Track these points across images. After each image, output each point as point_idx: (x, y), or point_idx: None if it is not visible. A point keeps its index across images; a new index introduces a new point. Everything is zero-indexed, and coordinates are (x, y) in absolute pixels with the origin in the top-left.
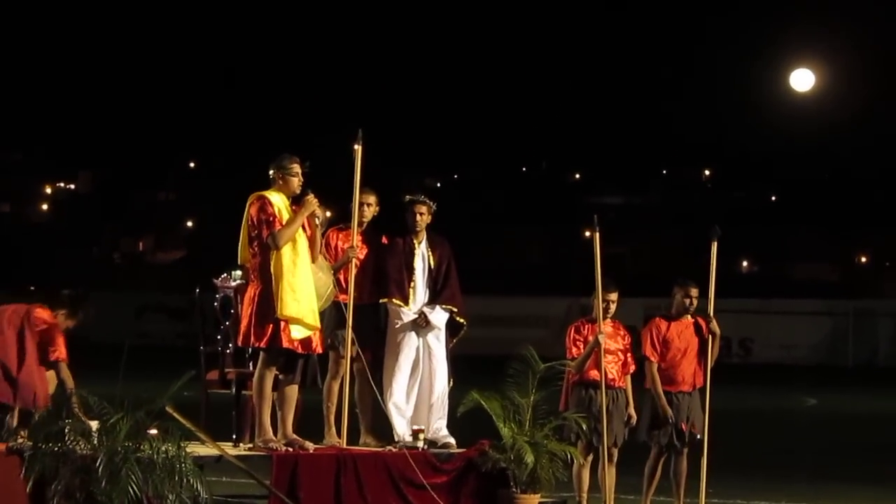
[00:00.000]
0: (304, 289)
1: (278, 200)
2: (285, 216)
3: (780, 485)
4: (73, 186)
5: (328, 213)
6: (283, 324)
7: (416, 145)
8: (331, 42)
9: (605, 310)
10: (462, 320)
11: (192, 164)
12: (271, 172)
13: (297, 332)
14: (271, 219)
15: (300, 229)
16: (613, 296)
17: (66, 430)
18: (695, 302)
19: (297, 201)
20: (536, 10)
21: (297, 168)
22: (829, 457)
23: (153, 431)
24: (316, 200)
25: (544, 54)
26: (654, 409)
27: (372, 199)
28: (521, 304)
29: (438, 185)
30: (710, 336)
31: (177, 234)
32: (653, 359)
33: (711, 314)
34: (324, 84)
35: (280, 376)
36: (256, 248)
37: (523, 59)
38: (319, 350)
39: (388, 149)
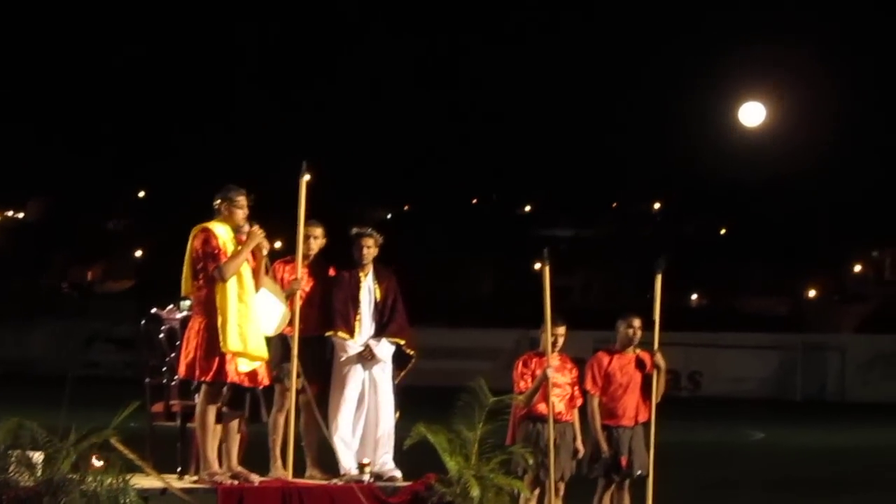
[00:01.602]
0: (249, 321)
1: (223, 232)
2: (230, 248)
3: None
4: (21, 215)
5: (277, 244)
6: (228, 357)
7: (367, 177)
8: (280, 73)
9: (553, 343)
10: (411, 352)
11: (141, 194)
12: (216, 203)
13: (244, 366)
14: (216, 251)
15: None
16: (561, 329)
17: (10, 461)
18: (638, 332)
19: (239, 232)
20: (488, 43)
21: (242, 200)
22: (776, 491)
23: (98, 463)
24: (262, 232)
25: (495, 87)
26: (593, 442)
27: (318, 231)
28: (471, 336)
29: (389, 216)
30: (656, 370)
31: (126, 263)
32: (593, 392)
33: (656, 347)
34: (273, 114)
35: (225, 409)
36: (202, 281)
37: (474, 91)
38: (266, 382)
39: (339, 180)
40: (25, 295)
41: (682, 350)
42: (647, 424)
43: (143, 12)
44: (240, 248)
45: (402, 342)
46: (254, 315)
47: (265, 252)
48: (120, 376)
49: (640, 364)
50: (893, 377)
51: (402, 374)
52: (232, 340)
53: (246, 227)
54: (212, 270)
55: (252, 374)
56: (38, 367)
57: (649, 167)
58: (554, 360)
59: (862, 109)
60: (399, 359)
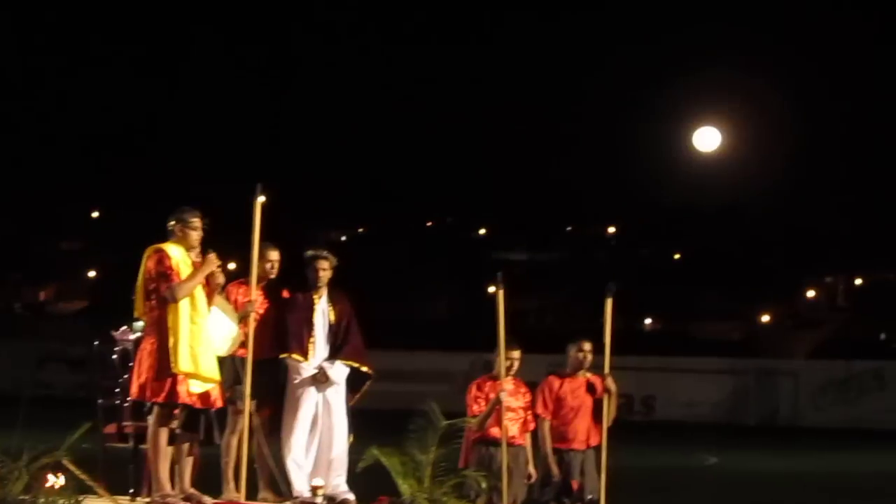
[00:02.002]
0: (201, 343)
1: (176, 253)
2: (183, 269)
3: None
4: None
5: (231, 266)
6: (180, 378)
7: (322, 199)
8: (234, 93)
9: (509, 368)
10: (369, 371)
11: (94, 214)
12: (171, 224)
13: (196, 387)
14: (168, 272)
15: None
16: (516, 354)
17: None
18: (588, 356)
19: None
20: (446, 65)
21: (197, 222)
22: None
23: (60, 480)
24: (218, 262)
25: (451, 110)
26: (544, 466)
27: (275, 255)
28: (425, 358)
29: (343, 238)
30: (606, 393)
31: (79, 284)
32: (544, 416)
33: (607, 371)
34: (228, 135)
35: (178, 431)
36: (154, 302)
37: (429, 114)
38: (220, 404)
39: (293, 202)
40: None
41: (635, 374)
42: (598, 448)
43: (94, 33)
44: (194, 272)
45: (357, 364)
46: (206, 337)
47: (219, 281)
48: (72, 397)
49: (590, 388)
50: (846, 403)
51: (358, 395)
52: (183, 361)
53: (197, 249)
54: (163, 291)
55: (204, 396)
56: None
57: (604, 191)
58: (507, 384)
59: (816, 135)
60: (353, 382)
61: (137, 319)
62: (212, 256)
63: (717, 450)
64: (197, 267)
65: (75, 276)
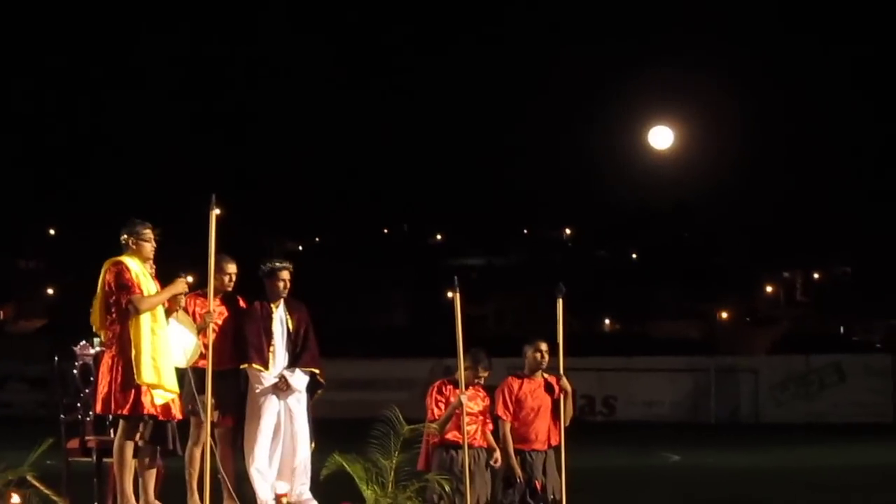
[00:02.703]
0: (162, 354)
1: (134, 266)
2: (142, 281)
3: None
4: None
5: (189, 279)
6: (143, 389)
7: (278, 209)
8: (190, 106)
9: (478, 382)
10: (322, 380)
11: (51, 232)
12: (123, 238)
13: (159, 398)
14: (129, 284)
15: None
16: (486, 374)
17: None
18: (546, 356)
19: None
20: (396, 75)
21: (149, 233)
22: None
23: (16, 499)
24: (186, 289)
25: (404, 117)
26: (507, 468)
27: (232, 268)
28: (384, 366)
29: (300, 248)
30: (563, 394)
31: (38, 302)
32: (505, 418)
33: (561, 371)
34: (183, 149)
35: (140, 442)
36: (115, 315)
37: (383, 121)
38: (179, 416)
39: (249, 212)
40: None
41: (596, 375)
42: (558, 448)
43: (44, 50)
44: (161, 291)
45: (317, 371)
46: (167, 348)
47: (180, 306)
48: (33, 416)
49: (548, 388)
50: (806, 398)
51: (310, 402)
52: (146, 373)
53: (151, 260)
54: (125, 303)
55: (165, 408)
56: None
57: (559, 193)
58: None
59: (768, 131)
60: (309, 388)
61: (96, 335)
62: (182, 281)
63: (678, 448)
64: (156, 281)
65: (34, 294)
